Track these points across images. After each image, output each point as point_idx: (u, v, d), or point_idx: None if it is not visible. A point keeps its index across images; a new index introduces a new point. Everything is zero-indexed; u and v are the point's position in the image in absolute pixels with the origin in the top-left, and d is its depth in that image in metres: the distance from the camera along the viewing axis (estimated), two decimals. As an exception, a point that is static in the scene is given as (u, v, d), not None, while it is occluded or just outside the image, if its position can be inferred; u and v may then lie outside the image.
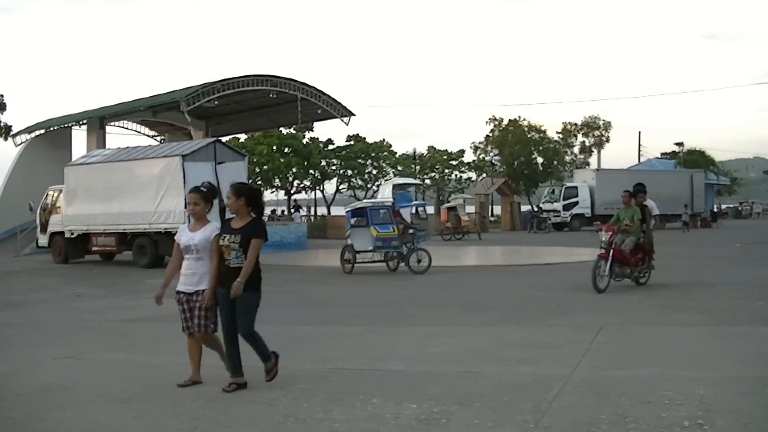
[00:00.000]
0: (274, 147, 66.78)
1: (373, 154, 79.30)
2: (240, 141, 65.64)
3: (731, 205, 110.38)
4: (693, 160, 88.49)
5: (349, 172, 78.41)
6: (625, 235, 18.60)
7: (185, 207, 28.21)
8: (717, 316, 14.58)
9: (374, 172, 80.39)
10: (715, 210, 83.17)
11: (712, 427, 7.11)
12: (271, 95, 42.14)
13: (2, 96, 44.83)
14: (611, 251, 18.09)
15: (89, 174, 32.76)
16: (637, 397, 8.13)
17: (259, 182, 68.99)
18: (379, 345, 12.06)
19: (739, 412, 7.57)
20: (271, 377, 9.17)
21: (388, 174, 79.10)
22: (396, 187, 46.40)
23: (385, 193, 45.62)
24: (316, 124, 65.52)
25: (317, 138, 74.77)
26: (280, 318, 15.57)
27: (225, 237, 8.86)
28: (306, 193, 78.73)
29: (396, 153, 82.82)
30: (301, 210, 67.13)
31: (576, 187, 63.38)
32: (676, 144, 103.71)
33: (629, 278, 18.97)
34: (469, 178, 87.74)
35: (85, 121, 45.13)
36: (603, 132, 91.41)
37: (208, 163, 29.46)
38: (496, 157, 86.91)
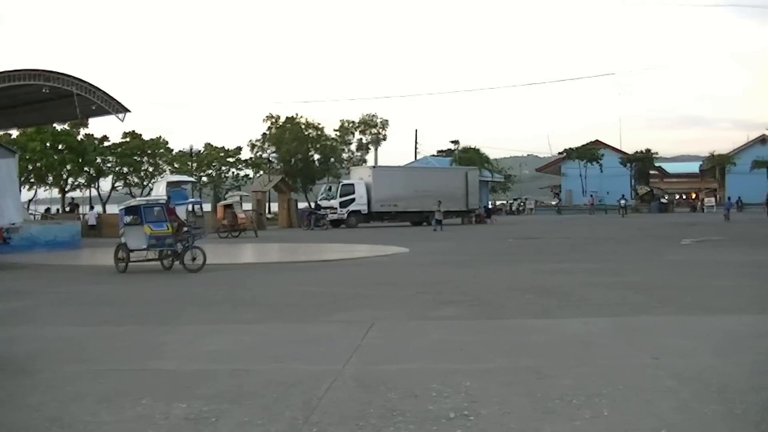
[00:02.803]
0: (48, 143, 64.82)
1: (149, 151, 77.98)
2: (12, 137, 63.16)
3: (505, 202, 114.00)
4: (468, 158, 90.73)
5: (125, 170, 76.79)
6: None
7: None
8: (486, 310, 14.97)
9: (150, 169, 79.03)
10: (490, 206, 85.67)
11: (476, 417, 7.29)
12: (44, 90, 40.65)
13: None
14: None
15: None
16: (405, 391, 8.25)
17: (32, 180, 66.86)
18: (151, 344, 11.79)
19: (503, 401, 7.79)
20: None
21: (165, 171, 77.94)
22: (170, 185, 45.78)
23: (159, 190, 44.98)
24: (91, 121, 63.80)
25: (92, 135, 72.92)
26: (50, 319, 15.12)
27: None
28: (81, 191, 76.59)
29: (173, 150, 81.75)
30: (79, 208, 65.41)
31: (353, 184, 64.03)
32: (452, 142, 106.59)
33: None
34: (246, 176, 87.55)
35: None
36: (380, 130, 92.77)
37: (-23, 160, 28.33)
38: (273, 155, 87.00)
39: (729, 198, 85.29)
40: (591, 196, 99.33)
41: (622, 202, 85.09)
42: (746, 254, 27.67)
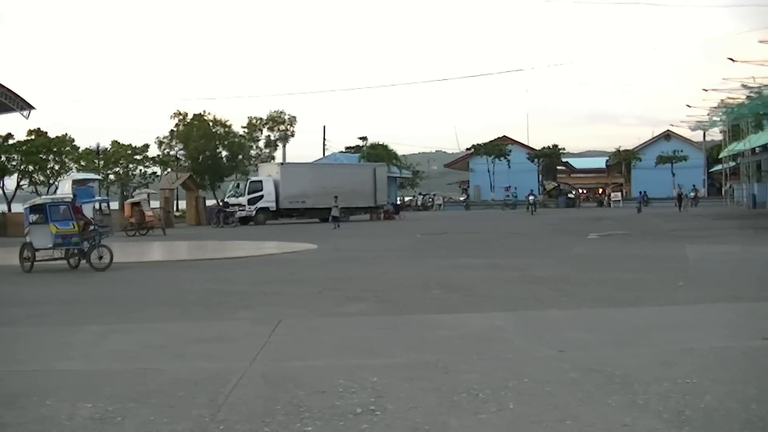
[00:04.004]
0: (-49, 141, 63.49)
1: (55, 149, 76.68)
2: None
3: (413, 197, 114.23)
4: (376, 154, 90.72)
5: (31, 168, 75.43)
6: None
7: None
8: (393, 306, 15.06)
9: (56, 167, 77.70)
10: (398, 202, 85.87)
11: (383, 412, 7.34)
12: (-55, 86, 39.83)
13: None
14: None
15: None
16: (312, 387, 8.27)
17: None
18: (55, 345, 11.62)
19: (409, 396, 7.85)
20: None
21: (71, 169, 76.71)
22: (76, 183, 45.18)
23: (65, 189, 44.32)
24: (-5, 118, 62.55)
25: (-4, 132, 71.51)
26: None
27: None
28: (-16, 190, 75.04)
29: (79, 148, 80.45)
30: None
31: (261, 181, 63.59)
32: (360, 138, 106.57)
33: None
34: (154, 173, 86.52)
35: None
36: (288, 126, 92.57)
37: None
38: (181, 152, 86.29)
39: (640, 192, 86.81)
40: (507, 189, 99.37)
41: (531, 198, 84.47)
42: (650, 248, 28.08)
